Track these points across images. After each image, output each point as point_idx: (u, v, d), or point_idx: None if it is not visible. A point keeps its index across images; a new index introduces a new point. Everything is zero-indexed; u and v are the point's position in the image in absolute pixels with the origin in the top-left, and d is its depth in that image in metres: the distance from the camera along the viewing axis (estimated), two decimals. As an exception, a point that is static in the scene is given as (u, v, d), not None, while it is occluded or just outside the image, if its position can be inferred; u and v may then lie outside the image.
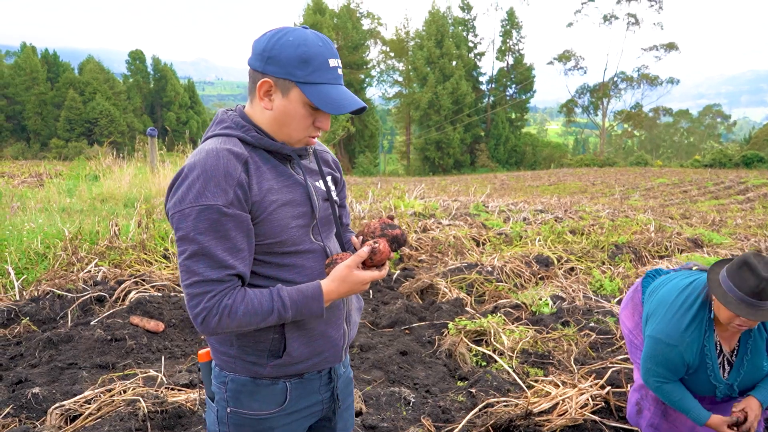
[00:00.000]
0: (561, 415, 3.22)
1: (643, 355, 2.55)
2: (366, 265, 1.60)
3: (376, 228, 1.65)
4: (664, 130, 72.49)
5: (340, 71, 1.58)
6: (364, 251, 1.58)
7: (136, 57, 64.52)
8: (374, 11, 76.88)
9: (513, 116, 62.22)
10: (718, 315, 2.39)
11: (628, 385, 3.53)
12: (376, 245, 1.59)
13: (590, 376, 3.79)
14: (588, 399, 3.35)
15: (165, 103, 63.72)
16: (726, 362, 2.49)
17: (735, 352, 2.51)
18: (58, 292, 5.05)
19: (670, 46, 62.27)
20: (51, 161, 26.64)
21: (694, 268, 2.77)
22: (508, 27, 61.93)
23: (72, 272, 5.65)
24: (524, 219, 10.85)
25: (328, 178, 1.81)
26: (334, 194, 1.79)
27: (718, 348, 2.47)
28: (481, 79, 63.51)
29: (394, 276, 6.36)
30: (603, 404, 3.43)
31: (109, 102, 55.57)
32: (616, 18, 62.95)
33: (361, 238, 1.67)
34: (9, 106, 54.91)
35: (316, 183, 1.73)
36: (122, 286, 5.22)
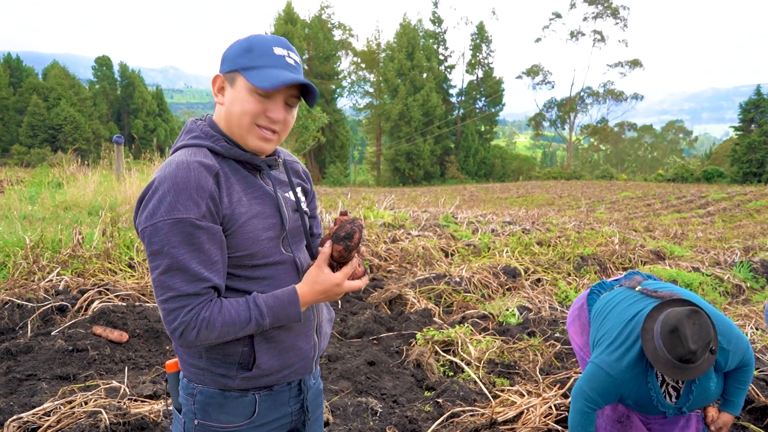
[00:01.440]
0: (525, 423, 3.26)
1: (582, 376, 2.55)
2: (335, 261, 1.60)
3: (332, 229, 1.64)
4: (629, 144, 74.20)
5: (289, 60, 1.57)
6: (326, 248, 1.59)
7: (103, 63, 63.47)
8: (346, 22, 77.25)
9: (482, 129, 62.89)
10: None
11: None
12: (337, 241, 1.58)
13: (555, 385, 3.85)
14: (552, 408, 3.40)
15: (132, 111, 62.73)
16: (671, 388, 2.48)
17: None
18: (18, 301, 4.92)
19: (635, 63, 63.91)
20: (12, 168, 25.98)
21: (637, 289, 2.73)
22: (477, 41, 62.78)
23: (33, 281, 5.51)
24: (492, 230, 10.96)
25: (298, 189, 1.81)
26: (304, 205, 1.79)
27: (660, 377, 2.46)
28: (451, 91, 64.18)
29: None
30: (566, 413, 3.49)
31: (74, 108, 54.46)
32: (583, 34, 64.45)
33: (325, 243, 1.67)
34: (-31, 111, 53.40)
35: (286, 194, 1.72)
36: (85, 295, 5.12)
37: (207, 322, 1.45)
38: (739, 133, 45.19)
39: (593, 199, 25.71)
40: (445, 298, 6.08)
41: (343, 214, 1.70)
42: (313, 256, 1.77)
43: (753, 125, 43.82)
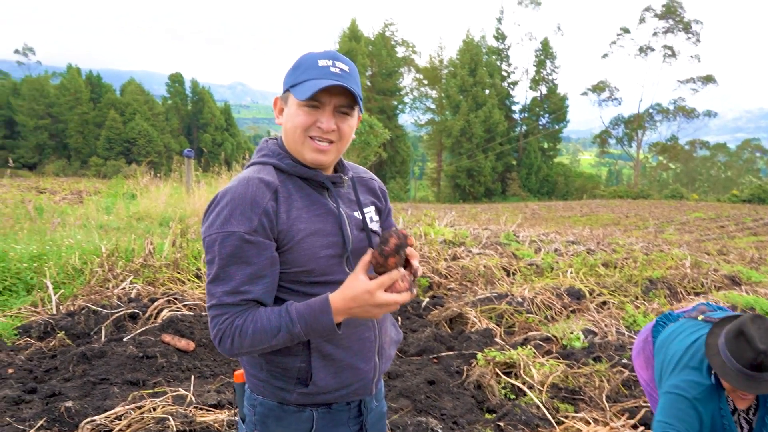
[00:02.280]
0: (592, 453, 3.14)
1: (657, 410, 2.36)
2: (375, 271, 1.51)
3: (376, 256, 1.52)
4: (701, 163, 71.16)
5: (334, 69, 1.55)
6: (365, 256, 1.52)
7: (176, 80, 66.29)
8: (409, 39, 77.83)
9: (545, 146, 61.88)
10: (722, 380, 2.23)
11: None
12: (382, 246, 1.49)
13: (622, 414, 3.70)
14: (620, 438, 3.27)
15: (201, 125, 65.07)
16: (743, 420, 2.31)
17: (753, 409, 2.34)
18: (94, 307, 5.16)
19: (708, 79, 61.54)
20: (90, 179, 27.40)
21: (700, 318, 2.57)
22: (542, 57, 61.95)
23: (107, 288, 5.76)
24: (556, 250, 10.73)
25: (371, 208, 1.81)
26: (372, 224, 1.78)
27: (732, 405, 2.30)
28: (513, 107, 63.48)
29: (423, 303, 6.34)
30: (636, 444, 3.34)
31: (148, 123, 57.03)
32: (652, 50, 62.61)
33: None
34: (53, 125, 56.78)
35: (353, 213, 1.72)
36: (155, 303, 5.31)
37: (240, 330, 1.48)
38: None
39: (662, 220, 24.78)
40: (506, 319, 5.97)
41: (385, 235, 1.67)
42: None
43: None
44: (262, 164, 1.63)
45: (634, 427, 3.46)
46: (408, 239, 1.54)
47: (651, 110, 64.44)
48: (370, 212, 1.81)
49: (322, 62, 1.56)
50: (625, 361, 4.75)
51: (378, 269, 1.51)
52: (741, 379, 2.09)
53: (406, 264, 1.58)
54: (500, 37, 62.29)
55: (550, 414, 3.78)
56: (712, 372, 2.27)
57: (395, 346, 1.90)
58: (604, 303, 6.81)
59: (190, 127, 66.24)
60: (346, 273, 1.64)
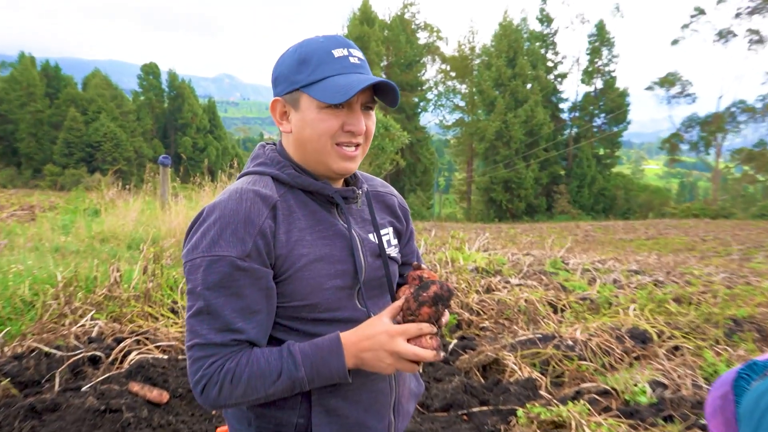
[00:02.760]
0: None
1: None
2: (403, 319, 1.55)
3: (410, 300, 1.57)
4: (797, 174, 70.54)
5: (353, 59, 1.59)
6: (398, 302, 1.57)
7: (150, 71, 67.27)
8: (433, 23, 78.43)
9: (601, 152, 61.77)
10: None
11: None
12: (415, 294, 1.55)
13: (701, 488, 3.64)
14: None
15: (180, 126, 65.92)
16: None
17: None
18: (46, 349, 5.19)
19: (804, 70, 61.17)
20: (45, 191, 27.79)
21: None
22: (596, 44, 62.09)
23: (63, 326, 5.81)
24: (614, 281, 10.66)
25: (389, 230, 1.83)
26: (391, 249, 1.79)
27: None
28: (561, 105, 63.61)
29: (450, 346, 6.31)
30: None
31: (116, 123, 57.87)
32: (734, 35, 62.43)
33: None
34: (0, 126, 57.62)
35: (368, 235, 1.74)
36: (121, 345, 5.33)
37: (232, 375, 1.48)
38: None
39: (748, 245, 24.53)
40: (553, 366, 5.92)
41: (416, 268, 1.68)
42: None
43: None
44: (258, 174, 1.65)
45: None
46: (452, 296, 1.57)
47: (733, 109, 64.09)
48: (388, 235, 1.83)
49: (337, 53, 1.58)
50: (702, 421, 4.69)
51: (407, 316, 1.54)
52: None
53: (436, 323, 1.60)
54: (545, 19, 62.64)
55: (609, 487, 3.72)
56: None
57: (415, 400, 1.90)
58: (677, 348, 6.73)
59: (167, 128, 67.14)
60: (357, 309, 1.66)
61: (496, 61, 59.02)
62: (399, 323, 1.53)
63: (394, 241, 1.84)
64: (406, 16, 63.56)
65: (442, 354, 1.58)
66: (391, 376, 1.73)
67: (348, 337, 1.53)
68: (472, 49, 66.03)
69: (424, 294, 1.53)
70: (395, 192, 1.96)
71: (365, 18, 57.95)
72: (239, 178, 1.69)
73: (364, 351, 1.51)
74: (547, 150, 58.63)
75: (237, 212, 1.50)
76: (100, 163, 52.69)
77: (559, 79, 63.35)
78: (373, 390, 1.70)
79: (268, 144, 1.75)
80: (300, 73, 1.56)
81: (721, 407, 2.81)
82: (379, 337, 1.50)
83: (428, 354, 1.50)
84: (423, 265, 1.71)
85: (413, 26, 63.87)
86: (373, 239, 1.74)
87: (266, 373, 1.49)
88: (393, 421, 1.76)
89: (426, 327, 1.51)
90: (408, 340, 1.50)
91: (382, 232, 1.79)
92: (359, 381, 1.64)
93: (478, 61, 64.09)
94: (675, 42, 65.87)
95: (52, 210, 13.85)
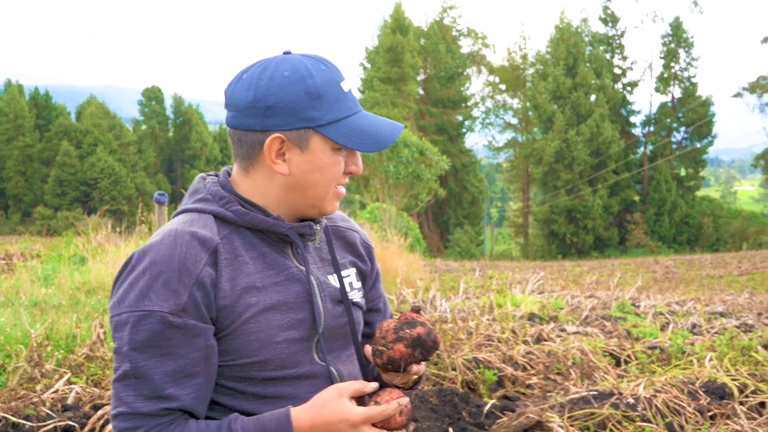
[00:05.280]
0: None
1: None
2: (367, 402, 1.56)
3: (389, 330, 1.62)
4: None
5: (353, 92, 1.66)
6: (371, 385, 1.57)
7: (152, 96, 68.54)
8: (477, 28, 79.00)
9: (683, 173, 61.05)
10: None
11: None
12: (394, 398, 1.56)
13: None
14: None
15: (188, 158, 66.92)
16: None
17: None
18: (13, 419, 5.26)
19: None
20: (32, 237, 28.37)
21: None
22: (672, 45, 61.75)
23: (35, 392, 5.89)
24: (693, 326, 10.48)
25: (351, 271, 1.85)
26: (354, 294, 1.81)
27: None
28: (633, 119, 63.26)
29: (487, 408, 6.24)
30: None
31: (114, 157, 58.94)
32: (837, 28, 61.61)
33: (371, 348, 1.66)
34: (-16, 164, 58.97)
35: (327, 277, 1.75)
36: (99, 412, 5.37)
37: None
38: None
39: None
40: (611, 429, 5.82)
41: (415, 310, 1.69)
42: (364, 368, 1.78)
43: None
44: (197, 212, 1.65)
45: None
46: (436, 348, 1.61)
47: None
48: (350, 276, 1.84)
49: (344, 85, 1.63)
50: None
51: (377, 346, 1.59)
52: None
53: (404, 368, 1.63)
54: (610, 19, 62.57)
55: None
56: None
57: None
58: (762, 405, 6.59)
59: (172, 160, 68.18)
60: (315, 363, 1.67)
61: (553, 71, 58.94)
62: (368, 357, 1.59)
63: (358, 284, 1.85)
64: (446, 21, 64.11)
65: (412, 428, 1.60)
66: None
67: (300, 417, 1.52)
68: (525, 57, 66.27)
69: (408, 331, 1.57)
70: (357, 227, 1.96)
71: (398, 26, 58.28)
72: (174, 216, 1.70)
73: (321, 427, 1.52)
74: (617, 172, 58.12)
75: (170, 259, 1.51)
76: (97, 203, 53.49)
77: (629, 89, 63.09)
78: None
79: (209, 175, 1.75)
80: (315, 110, 1.57)
81: None
82: (338, 426, 1.51)
83: (371, 410, 1.53)
84: (423, 313, 1.73)
85: (455, 33, 64.33)
86: (333, 282, 1.75)
87: None
88: None
89: (393, 408, 1.53)
90: (375, 424, 1.53)
91: (344, 273, 1.80)
92: None
93: (531, 70, 64.18)
94: (766, 40, 65.23)
95: (36, 258, 14.14)
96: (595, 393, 6.44)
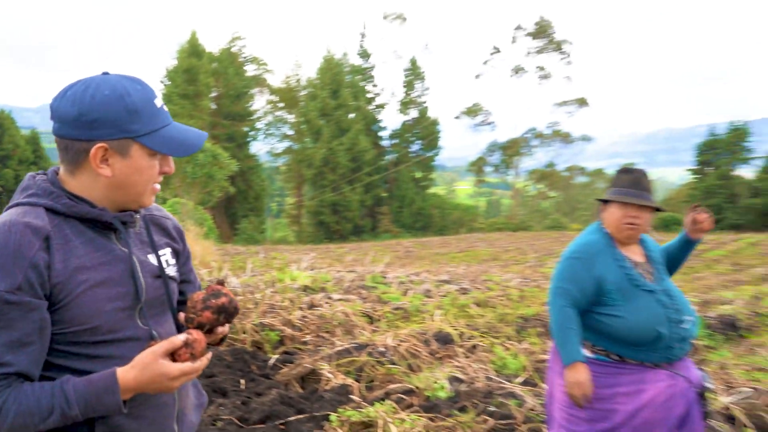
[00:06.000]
0: None
1: (553, 274, 3.09)
2: (180, 357, 1.56)
3: (198, 300, 1.65)
4: (580, 190, 77.23)
5: (165, 107, 1.67)
6: (178, 339, 1.56)
7: (-35, 102, 61.22)
8: (260, 56, 78.03)
9: (418, 175, 63.95)
10: (610, 225, 3.04)
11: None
12: (190, 336, 1.58)
13: (486, 467, 3.91)
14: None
15: (1, 158, 60.50)
16: (644, 272, 3.00)
17: (648, 263, 3.09)
18: None
19: (581, 102, 67.37)
20: None
21: None
22: (410, 77, 64.62)
23: None
24: (426, 291, 11.11)
25: (167, 250, 1.84)
26: (169, 269, 1.82)
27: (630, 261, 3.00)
28: (381, 134, 65.20)
29: (271, 361, 6.30)
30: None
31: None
32: (525, 71, 67.58)
33: (185, 315, 1.68)
34: None
35: (147, 257, 1.75)
36: None
37: None
38: (696, 176, 48.01)
39: (542, 253, 26.49)
40: (367, 372, 6.07)
41: (220, 283, 1.73)
42: (180, 330, 1.77)
43: (709, 168, 46.75)
44: (29, 206, 1.59)
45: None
46: (236, 313, 1.67)
47: (527, 135, 69.18)
48: (166, 255, 1.84)
49: (157, 102, 1.63)
50: (492, 408, 5.02)
51: (189, 314, 1.63)
52: (629, 195, 2.96)
53: (211, 331, 1.67)
54: (364, 54, 64.23)
55: (408, 475, 3.90)
56: (603, 226, 3.10)
57: (199, 411, 1.91)
58: (474, 346, 7.15)
59: (-14, 160, 61.27)
60: (138, 327, 1.66)
61: (321, 93, 59.60)
62: (182, 358, 1.56)
63: (173, 261, 1.86)
64: (234, 49, 62.61)
65: (206, 359, 1.61)
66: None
67: (127, 377, 1.51)
68: (298, 81, 66.34)
69: (214, 301, 1.62)
70: (170, 215, 1.97)
71: (193, 51, 56.26)
72: (7, 209, 1.62)
73: (149, 388, 1.54)
74: (370, 174, 59.93)
75: (6, 246, 1.47)
76: None
77: (379, 110, 64.98)
78: (156, 404, 1.69)
79: (38, 174, 1.69)
80: (134, 123, 1.55)
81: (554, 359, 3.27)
82: (164, 380, 1.52)
83: (186, 366, 1.55)
84: (225, 285, 1.77)
85: (241, 59, 63.09)
86: (152, 261, 1.75)
87: (35, 411, 1.45)
88: (177, 431, 1.77)
89: (171, 343, 1.55)
90: (173, 359, 1.55)
91: (161, 252, 1.80)
92: (143, 397, 1.63)
93: (304, 92, 64.41)
94: (478, 76, 70.22)
95: None
96: (355, 345, 6.69)
